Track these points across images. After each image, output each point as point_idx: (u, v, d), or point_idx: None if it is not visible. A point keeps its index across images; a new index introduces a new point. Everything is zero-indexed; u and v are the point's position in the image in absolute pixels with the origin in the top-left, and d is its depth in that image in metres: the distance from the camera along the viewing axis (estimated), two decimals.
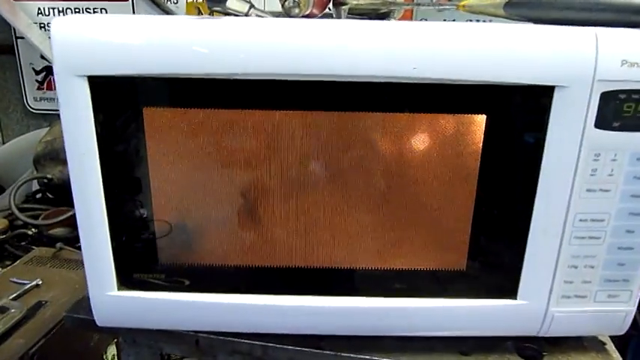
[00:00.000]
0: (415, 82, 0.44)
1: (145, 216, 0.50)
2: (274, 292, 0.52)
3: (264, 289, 0.52)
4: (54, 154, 1.26)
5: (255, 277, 0.52)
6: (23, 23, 1.44)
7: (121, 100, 0.46)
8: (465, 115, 0.46)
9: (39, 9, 1.45)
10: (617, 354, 0.56)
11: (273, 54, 0.43)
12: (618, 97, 0.44)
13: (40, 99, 1.52)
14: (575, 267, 0.50)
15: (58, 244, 1.02)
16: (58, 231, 1.11)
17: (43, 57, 1.47)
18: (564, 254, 0.49)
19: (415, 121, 0.46)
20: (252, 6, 0.48)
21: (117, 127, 0.46)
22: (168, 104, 0.46)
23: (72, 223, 1.04)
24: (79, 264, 0.91)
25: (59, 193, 1.25)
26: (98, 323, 0.54)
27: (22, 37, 1.46)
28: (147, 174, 0.48)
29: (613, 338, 0.58)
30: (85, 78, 0.44)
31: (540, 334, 0.53)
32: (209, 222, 0.50)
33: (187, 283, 0.52)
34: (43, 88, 1.51)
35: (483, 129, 0.46)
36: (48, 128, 1.34)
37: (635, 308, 0.53)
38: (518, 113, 0.46)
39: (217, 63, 0.44)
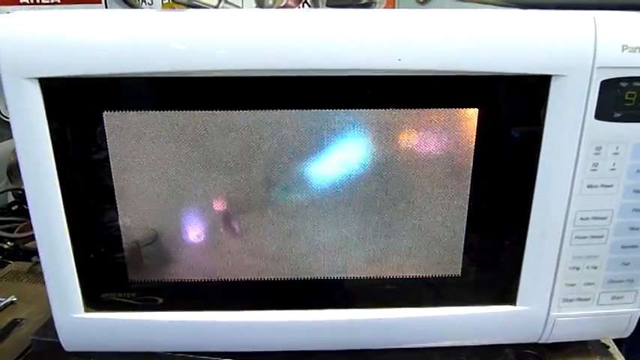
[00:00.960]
0: (400, 74, 0.40)
1: (110, 230, 0.45)
2: (256, 308, 0.48)
3: (245, 304, 0.48)
4: None
5: (234, 293, 0.48)
6: None
7: (78, 104, 0.41)
8: (456, 110, 0.42)
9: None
10: (622, 357, 0.53)
11: (249, 49, 0.39)
12: (619, 85, 0.41)
13: None
14: (577, 268, 0.47)
15: (34, 258, 0.98)
16: (35, 244, 1.06)
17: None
18: (565, 255, 0.46)
19: (401, 117, 0.43)
20: None
21: (75, 135, 0.42)
22: (131, 107, 0.42)
23: None
24: None
25: None
26: (65, 348, 0.49)
27: None
28: (111, 184, 0.44)
29: None
30: (36, 81, 0.40)
31: (541, 341, 0.50)
32: (182, 234, 0.46)
33: (161, 301, 0.48)
34: None
35: (475, 124, 0.43)
36: None
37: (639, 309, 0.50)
38: (513, 106, 0.42)
39: (186, 60, 0.40)
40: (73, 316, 0.47)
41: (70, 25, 0.40)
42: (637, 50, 0.40)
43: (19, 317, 0.80)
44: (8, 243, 1.07)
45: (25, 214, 1.22)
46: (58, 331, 0.48)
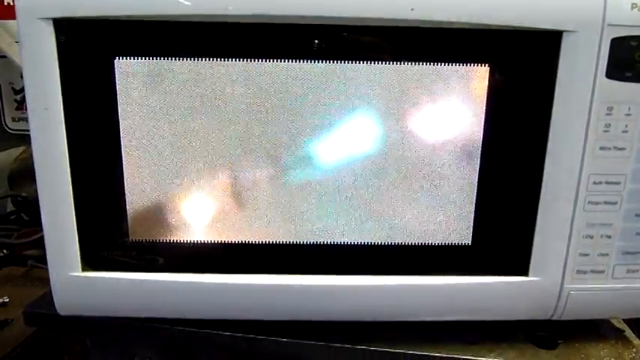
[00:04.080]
0: (412, 25, 0.41)
1: (114, 184, 0.44)
2: (258, 272, 0.46)
3: (247, 267, 0.47)
4: (29, 172, 1.21)
5: (238, 255, 0.46)
6: (5, 42, 1.40)
7: (89, 48, 0.41)
8: (467, 66, 0.42)
9: None
10: (638, 340, 0.51)
11: None
12: (629, 44, 0.41)
13: (19, 119, 1.47)
14: (591, 237, 0.45)
15: (30, 262, 0.96)
16: (31, 252, 1.05)
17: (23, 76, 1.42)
18: (578, 222, 0.45)
19: (412, 73, 0.42)
20: None
21: (85, 81, 0.42)
22: (142, 54, 0.42)
23: None
24: None
25: (34, 213, 1.19)
26: (60, 312, 0.47)
27: (3, 56, 1.42)
28: (118, 136, 0.43)
29: None
30: (50, 22, 0.40)
31: (555, 317, 0.48)
32: (187, 193, 0.45)
33: (161, 261, 0.46)
34: (22, 109, 1.46)
35: (487, 82, 0.43)
36: (24, 147, 1.29)
37: None
38: (525, 63, 0.42)
39: (204, 2, 0.40)
40: (70, 274, 0.45)
41: None
42: None
43: (10, 318, 0.78)
44: (4, 251, 1.05)
45: (23, 223, 1.21)
46: (53, 293, 0.47)
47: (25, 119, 1.47)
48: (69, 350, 0.78)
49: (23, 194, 1.18)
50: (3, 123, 1.48)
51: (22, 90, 1.46)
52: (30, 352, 0.73)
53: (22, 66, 0.41)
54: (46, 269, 0.95)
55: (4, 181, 1.23)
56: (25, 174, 1.21)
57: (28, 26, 0.40)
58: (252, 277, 0.46)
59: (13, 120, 1.48)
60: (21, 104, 1.47)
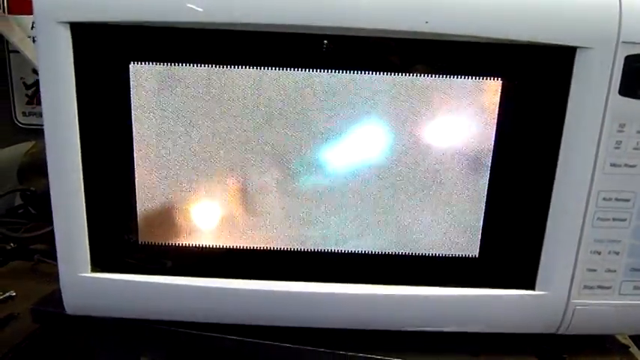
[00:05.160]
0: (425, 38, 0.41)
1: (125, 187, 0.45)
2: (265, 278, 0.47)
3: (255, 273, 0.47)
4: (39, 166, 1.21)
5: (246, 261, 0.47)
6: (18, 37, 1.41)
7: (105, 53, 0.42)
8: (479, 80, 0.42)
9: (34, 23, 1.44)
10: None
11: (274, 3, 0.40)
12: None
13: (29, 114, 1.48)
14: (599, 253, 0.45)
15: (36, 256, 0.97)
16: (39, 246, 1.06)
17: (34, 71, 1.43)
18: (587, 238, 0.45)
19: (424, 85, 0.43)
20: None
21: (99, 84, 0.42)
22: (158, 60, 0.42)
23: (53, 238, 0.99)
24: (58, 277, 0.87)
25: (42, 207, 1.19)
26: (67, 311, 0.48)
27: (16, 51, 1.43)
28: (130, 139, 0.44)
29: None
30: (68, 25, 0.40)
31: (560, 332, 0.48)
32: (196, 197, 0.46)
33: (169, 264, 0.47)
34: (33, 103, 1.47)
35: (499, 96, 0.43)
36: (34, 142, 1.30)
37: None
38: (537, 78, 0.42)
39: (218, 10, 0.40)
40: (79, 275, 0.46)
41: None
42: None
43: (16, 312, 0.78)
44: (11, 244, 1.06)
45: (31, 217, 1.21)
46: (62, 292, 0.47)
47: (36, 114, 1.49)
48: (75, 345, 0.78)
49: (32, 188, 1.19)
50: (14, 117, 1.49)
51: (33, 85, 1.47)
52: (36, 345, 0.73)
53: (38, 68, 0.41)
54: (53, 264, 0.95)
55: (13, 174, 1.24)
56: (34, 168, 1.22)
57: (46, 29, 0.40)
58: (258, 282, 0.47)
59: (24, 114, 1.49)
60: (32, 99, 1.48)
